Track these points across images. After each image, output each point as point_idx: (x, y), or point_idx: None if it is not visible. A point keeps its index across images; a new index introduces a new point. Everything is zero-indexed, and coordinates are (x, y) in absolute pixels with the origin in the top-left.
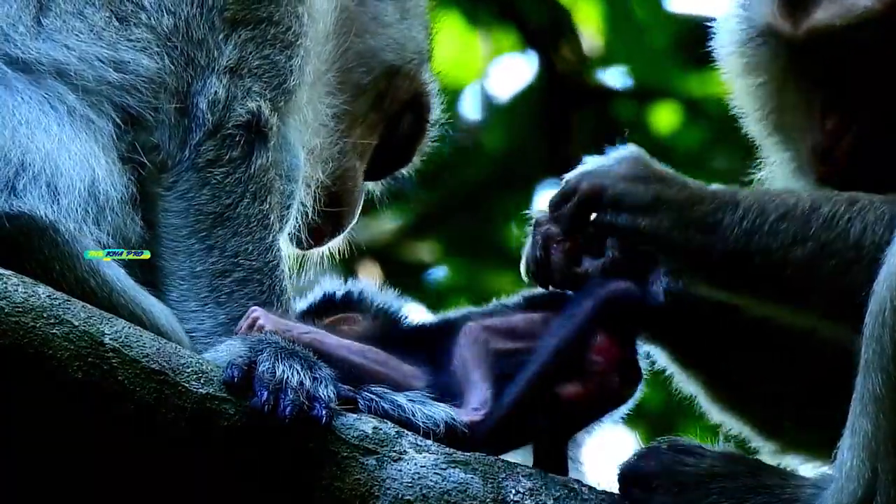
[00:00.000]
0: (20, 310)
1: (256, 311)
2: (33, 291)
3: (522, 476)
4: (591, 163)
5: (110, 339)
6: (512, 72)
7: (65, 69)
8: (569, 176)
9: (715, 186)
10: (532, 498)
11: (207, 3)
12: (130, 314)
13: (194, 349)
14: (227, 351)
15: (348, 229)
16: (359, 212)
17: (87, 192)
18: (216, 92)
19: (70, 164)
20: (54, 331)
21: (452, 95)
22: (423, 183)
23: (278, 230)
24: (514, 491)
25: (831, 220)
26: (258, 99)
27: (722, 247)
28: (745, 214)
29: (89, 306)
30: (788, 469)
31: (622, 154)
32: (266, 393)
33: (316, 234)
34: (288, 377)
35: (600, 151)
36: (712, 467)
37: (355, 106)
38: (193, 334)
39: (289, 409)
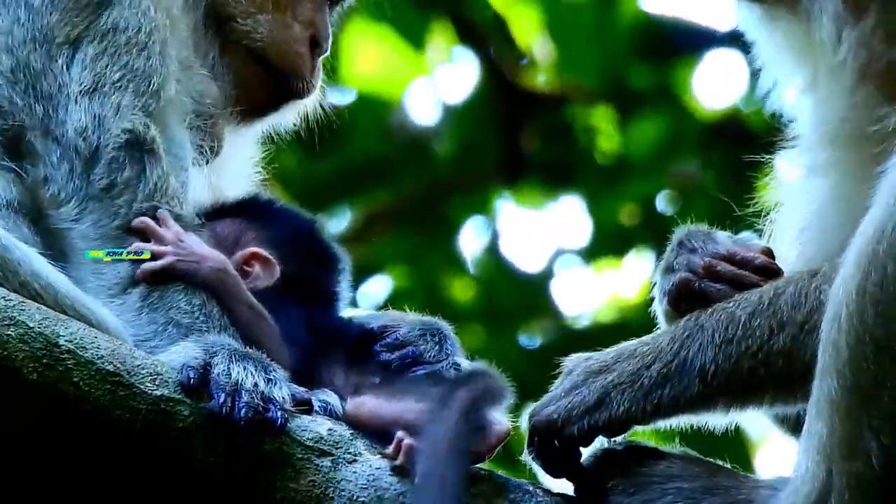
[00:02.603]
0: None
1: (169, 234)
2: None
3: (478, 478)
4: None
5: (65, 340)
6: (460, 76)
7: None
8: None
9: (640, 340)
10: (486, 499)
11: (37, 36)
12: (78, 316)
13: None
14: (181, 353)
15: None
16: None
17: None
18: (80, 119)
19: None
20: (9, 332)
21: (398, 99)
22: (371, 186)
23: (190, 220)
24: (469, 492)
25: (798, 296)
26: (130, 115)
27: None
28: (715, 329)
29: (44, 308)
30: (746, 472)
31: (559, 382)
32: (223, 395)
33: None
34: (242, 379)
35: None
36: (668, 468)
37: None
38: (135, 340)
39: (244, 411)
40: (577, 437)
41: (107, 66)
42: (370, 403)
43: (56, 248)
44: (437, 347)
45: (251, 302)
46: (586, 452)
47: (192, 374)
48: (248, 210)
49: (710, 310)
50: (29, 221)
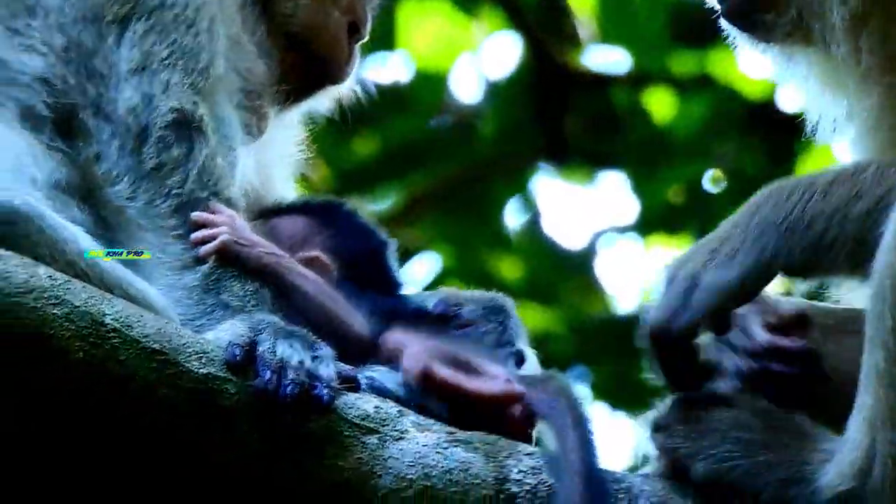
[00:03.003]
0: (21, 290)
1: (214, 217)
2: (34, 272)
3: (524, 454)
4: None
5: (111, 318)
6: (505, 55)
7: None
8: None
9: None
10: (534, 476)
11: (87, 15)
12: (124, 295)
13: None
14: (228, 331)
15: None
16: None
17: (14, 172)
18: (130, 97)
19: None
20: (55, 311)
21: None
22: (415, 165)
23: (237, 202)
24: (515, 470)
25: (879, 174)
26: (179, 92)
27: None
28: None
29: (90, 287)
30: (819, 430)
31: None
32: (269, 372)
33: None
34: (288, 357)
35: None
36: (736, 417)
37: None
38: (182, 319)
39: (290, 388)
40: (685, 331)
41: (155, 44)
42: (399, 335)
43: (109, 226)
44: (500, 329)
45: (307, 273)
46: (663, 403)
47: (237, 352)
48: (322, 214)
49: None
50: (80, 202)
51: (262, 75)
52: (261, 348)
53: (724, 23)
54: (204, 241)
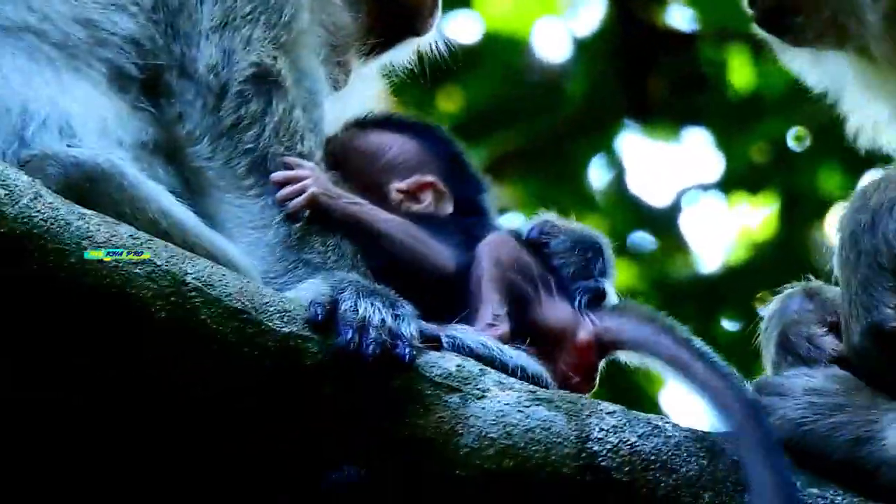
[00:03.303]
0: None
1: (299, 171)
2: (115, 231)
3: (606, 413)
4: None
5: (193, 277)
6: (590, 14)
7: (27, 27)
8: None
9: None
10: (616, 435)
11: None
12: (207, 254)
13: None
14: (309, 290)
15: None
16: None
17: (102, 134)
18: (211, 55)
19: (78, 108)
20: (137, 270)
21: (525, 37)
22: (501, 126)
23: (314, 157)
24: (597, 428)
25: None
26: (259, 47)
27: None
28: None
29: (171, 245)
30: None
31: None
32: (350, 331)
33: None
34: (370, 315)
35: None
36: (809, 381)
37: None
38: (264, 277)
39: (371, 347)
40: None
41: (237, 0)
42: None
43: (194, 185)
44: (583, 264)
45: (391, 218)
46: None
47: (319, 311)
48: (434, 144)
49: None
50: (165, 161)
51: (347, 28)
52: (342, 307)
53: (756, 28)
54: (287, 199)
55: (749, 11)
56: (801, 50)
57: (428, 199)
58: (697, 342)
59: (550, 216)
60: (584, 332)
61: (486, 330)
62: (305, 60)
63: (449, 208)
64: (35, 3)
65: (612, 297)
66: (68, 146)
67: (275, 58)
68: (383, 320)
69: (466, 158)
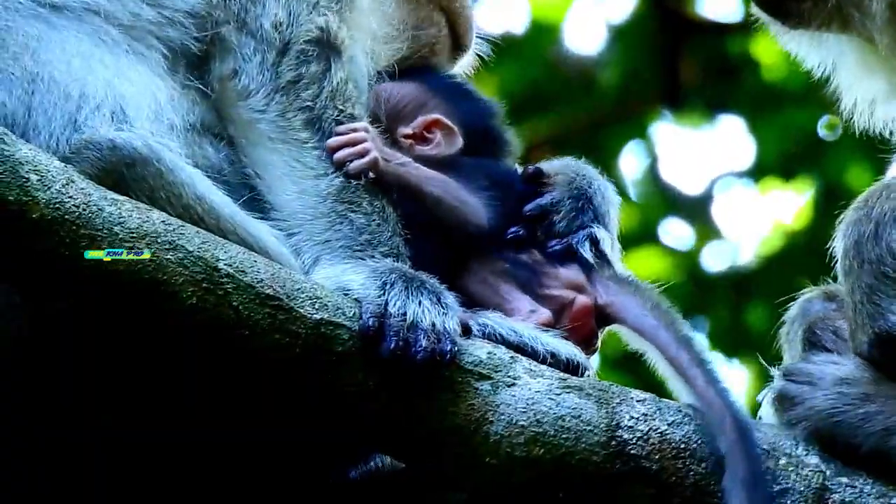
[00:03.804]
0: (134, 235)
1: (361, 134)
2: (147, 217)
3: (636, 401)
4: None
5: (224, 264)
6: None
7: (96, 8)
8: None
9: None
10: (646, 423)
11: None
12: (240, 240)
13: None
14: (355, 280)
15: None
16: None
17: (155, 118)
18: (276, 13)
19: (133, 92)
20: (168, 256)
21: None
22: (534, 114)
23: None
24: (627, 416)
25: None
26: (325, 12)
27: None
28: None
29: (204, 232)
30: None
31: None
32: (396, 341)
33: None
34: (419, 319)
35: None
36: (836, 371)
37: None
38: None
39: (420, 354)
40: None
41: None
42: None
43: (240, 150)
44: (574, 214)
45: (433, 175)
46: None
47: (372, 323)
48: (431, 81)
49: None
50: (215, 140)
51: (402, 21)
52: (391, 308)
53: (755, 9)
54: (346, 161)
55: None
56: (800, 32)
57: (437, 136)
58: (697, 344)
59: (560, 162)
60: (583, 297)
61: (529, 318)
62: (360, 43)
63: (459, 142)
64: None
65: (609, 241)
66: (116, 131)
67: (339, 25)
68: (433, 324)
69: (466, 85)
